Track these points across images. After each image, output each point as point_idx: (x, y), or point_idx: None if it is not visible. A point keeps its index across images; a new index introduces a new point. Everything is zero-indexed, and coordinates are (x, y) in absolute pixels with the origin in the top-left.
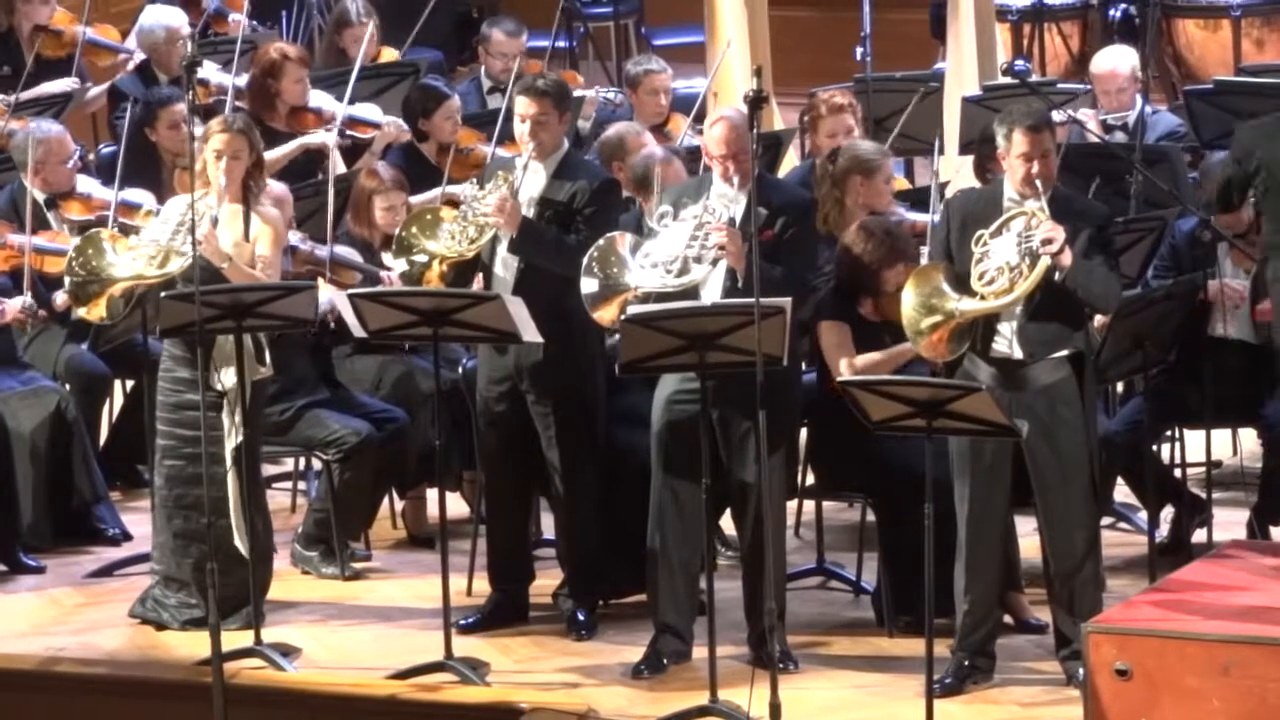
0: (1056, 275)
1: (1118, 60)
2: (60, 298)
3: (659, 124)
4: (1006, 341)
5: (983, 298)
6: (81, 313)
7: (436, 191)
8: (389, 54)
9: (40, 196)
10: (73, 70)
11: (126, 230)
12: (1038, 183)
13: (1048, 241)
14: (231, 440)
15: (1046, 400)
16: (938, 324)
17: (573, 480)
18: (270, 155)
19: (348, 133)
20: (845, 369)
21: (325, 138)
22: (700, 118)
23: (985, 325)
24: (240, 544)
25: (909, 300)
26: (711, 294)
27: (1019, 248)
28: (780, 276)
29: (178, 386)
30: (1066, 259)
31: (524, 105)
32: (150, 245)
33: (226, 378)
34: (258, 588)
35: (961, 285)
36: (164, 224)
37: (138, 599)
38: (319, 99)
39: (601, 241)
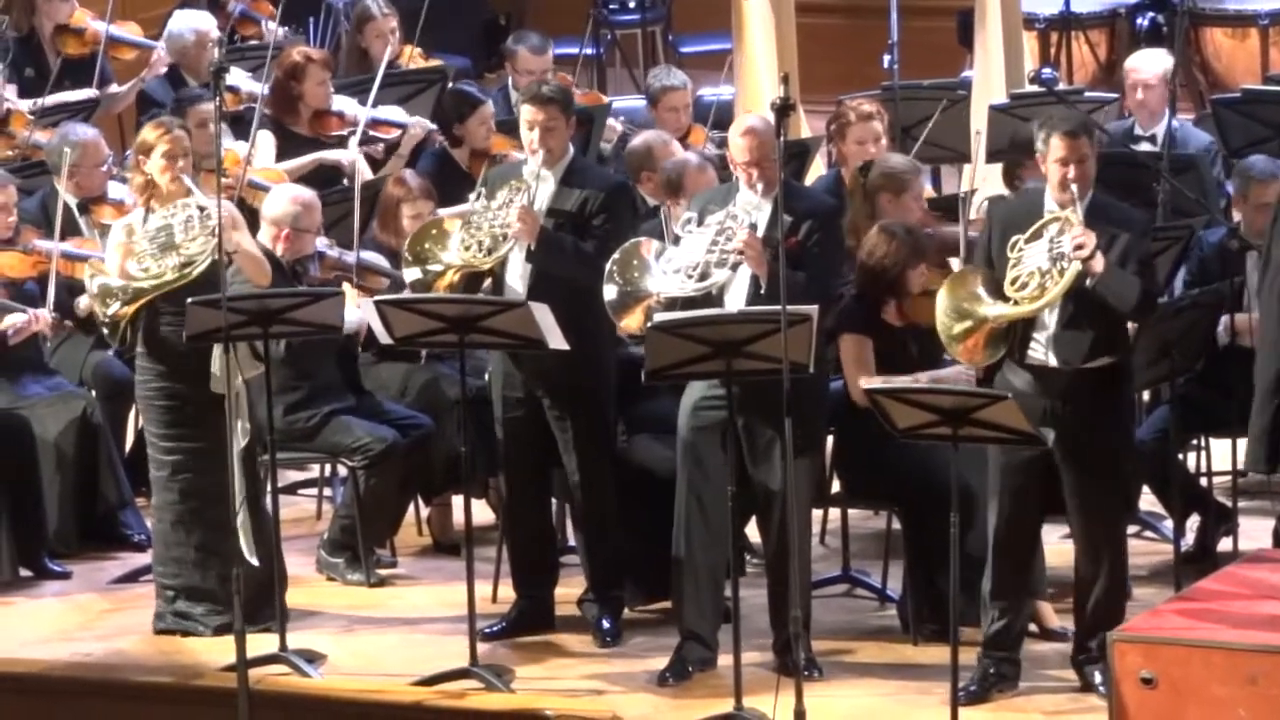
0: (1088, 282)
1: (1152, 59)
2: (83, 303)
3: (680, 137)
4: (1042, 349)
5: (1015, 303)
6: (123, 309)
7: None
8: (410, 52)
9: (73, 201)
10: (96, 69)
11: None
12: (1074, 188)
13: (1079, 247)
14: (238, 443)
15: (1080, 410)
16: (970, 329)
17: (591, 486)
18: (288, 165)
19: (371, 133)
20: (860, 388)
21: (344, 154)
22: (721, 127)
23: (1022, 332)
24: (249, 553)
25: (942, 305)
26: (736, 301)
27: (1050, 253)
28: (804, 282)
29: (173, 401)
30: (1097, 265)
31: (531, 113)
32: (164, 254)
33: (229, 382)
34: (281, 591)
35: (998, 291)
36: (156, 230)
37: (155, 615)
38: (341, 103)
39: (627, 245)
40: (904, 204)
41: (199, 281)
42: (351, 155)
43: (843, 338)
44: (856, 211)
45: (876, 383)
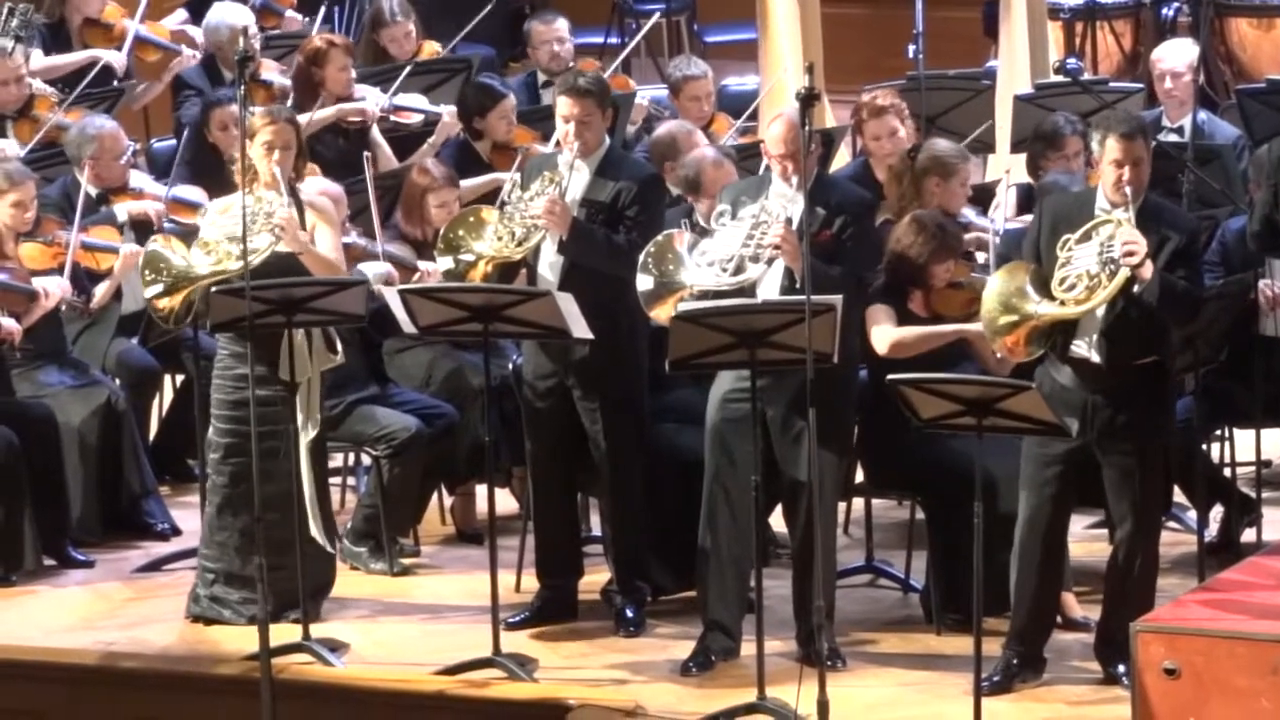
0: (1135, 287)
1: (1179, 49)
2: (99, 292)
3: (703, 126)
4: (1085, 346)
5: (1061, 303)
6: (164, 302)
7: (484, 179)
8: (430, 48)
9: (93, 191)
10: (120, 63)
11: (184, 234)
12: (1127, 190)
13: (1129, 253)
14: (307, 434)
15: (1121, 404)
16: (1014, 324)
17: (619, 476)
18: (308, 117)
19: (392, 119)
20: (881, 335)
21: (364, 105)
22: (748, 117)
23: (1065, 330)
24: (319, 535)
25: (991, 295)
26: (769, 294)
27: (1100, 256)
28: (838, 276)
29: (241, 384)
30: (1146, 271)
31: (566, 106)
32: (228, 242)
33: (299, 370)
34: (308, 582)
35: (1045, 288)
36: (227, 219)
37: (190, 597)
38: (362, 89)
39: (660, 238)
40: (951, 189)
41: (261, 273)
42: (372, 104)
43: (869, 308)
44: (903, 193)
45: (887, 341)
